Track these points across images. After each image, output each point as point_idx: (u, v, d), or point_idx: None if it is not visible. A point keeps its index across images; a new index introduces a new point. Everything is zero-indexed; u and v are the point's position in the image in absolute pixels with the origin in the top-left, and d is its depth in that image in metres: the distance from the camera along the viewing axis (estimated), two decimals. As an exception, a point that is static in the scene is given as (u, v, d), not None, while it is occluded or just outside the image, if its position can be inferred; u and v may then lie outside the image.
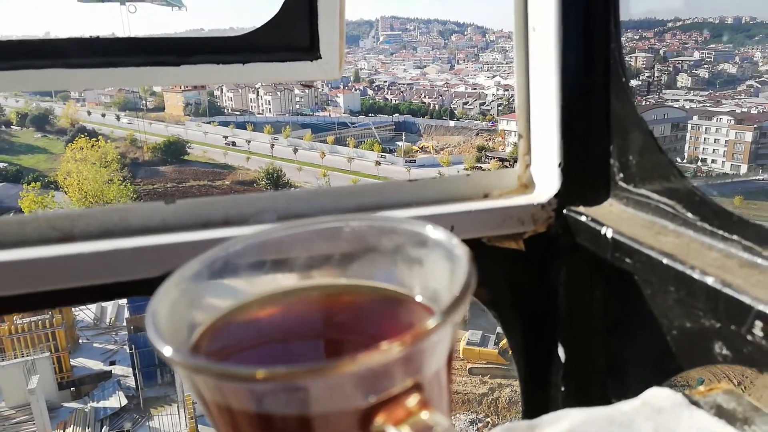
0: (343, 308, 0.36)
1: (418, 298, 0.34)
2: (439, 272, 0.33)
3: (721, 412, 0.47)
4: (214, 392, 0.25)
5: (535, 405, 0.69)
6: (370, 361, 0.23)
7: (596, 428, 0.45)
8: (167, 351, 0.25)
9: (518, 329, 0.67)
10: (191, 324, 0.32)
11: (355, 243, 0.36)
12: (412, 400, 0.25)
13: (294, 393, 0.23)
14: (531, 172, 0.66)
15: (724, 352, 0.51)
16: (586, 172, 0.62)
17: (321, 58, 0.78)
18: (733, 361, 0.50)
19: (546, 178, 0.64)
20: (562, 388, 0.66)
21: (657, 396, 0.48)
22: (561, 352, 0.66)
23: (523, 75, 0.65)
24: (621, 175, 0.60)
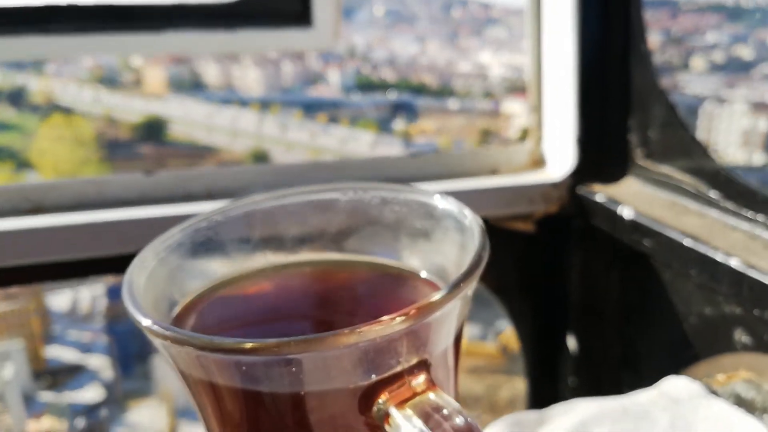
0: (341, 285, 0.35)
1: (423, 274, 0.33)
2: (448, 246, 0.32)
3: (740, 402, 0.46)
4: (198, 368, 0.24)
5: (542, 398, 0.68)
6: (371, 334, 0.22)
7: (610, 420, 0.44)
8: (146, 322, 0.24)
9: (526, 317, 0.66)
10: (171, 298, 0.30)
11: (353, 214, 0.35)
12: (418, 380, 0.24)
13: (286, 368, 0.22)
14: (543, 148, 0.64)
15: (744, 339, 0.50)
16: (602, 148, 0.61)
17: (314, 25, 0.76)
18: (754, 349, 0.50)
19: (559, 155, 0.63)
20: (572, 381, 0.66)
21: (674, 385, 0.47)
22: (572, 341, 0.65)
23: (535, 42, 0.64)
24: (640, 151, 0.59)
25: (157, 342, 0.24)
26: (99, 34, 0.69)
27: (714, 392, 0.46)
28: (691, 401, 0.45)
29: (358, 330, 0.21)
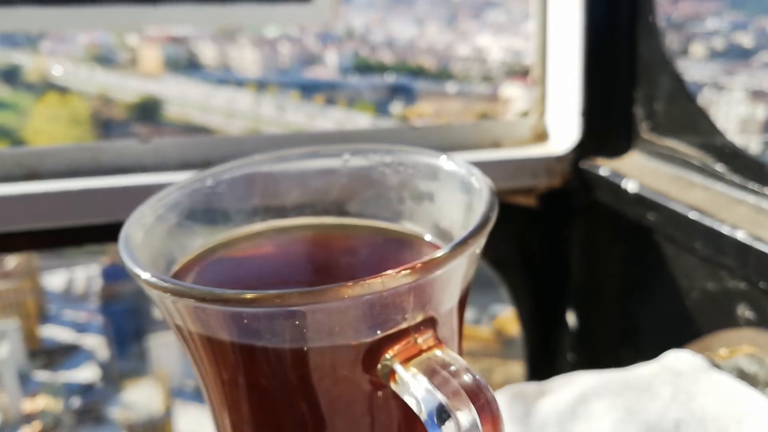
0: (343, 249, 0.34)
1: (428, 238, 0.32)
2: (453, 208, 0.31)
3: (742, 376, 0.46)
4: (196, 322, 0.23)
5: (541, 374, 0.68)
6: (376, 286, 0.21)
7: (611, 392, 0.44)
8: (145, 275, 0.23)
9: (526, 293, 0.65)
10: (169, 256, 0.30)
11: (355, 177, 0.35)
12: (425, 337, 0.23)
13: (288, 321, 0.22)
14: (546, 121, 0.64)
15: (747, 314, 0.50)
16: (607, 121, 0.60)
17: (313, 0, 0.74)
18: (757, 324, 0.49)
19: (563, 128, 0.62)
20: (571, 357, 0.66)
21: (676, 359, 0.47)
22: (572, 318, 0.64)
23: (540, 12, 0.63)
24: (645, 124, 0.58)
25: (154, 294, 0.23)
26: (93, 6, 0.68)
27: (716, 366, 0.45)
28: (693, 374, 0.45)
29: (363, 282, 0.21)
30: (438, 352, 0.23)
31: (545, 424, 0.42)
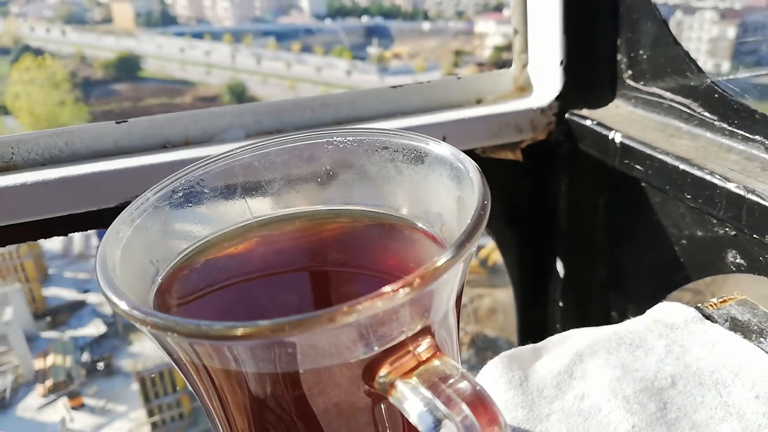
0: (332, 238, 0.32)
1: (420, 225, 0.30)
2: (443, 194, 0.29)
3: (735, 325, 0.45)
4: (189, 352, 0.21)
5: (530, 323, 0.67)
6: (372, 310, 0.19)
7: (605, 350, 0.43)
8: (123, 305, 0.21)
9: (514, 245, 0.64)
10: (153, 266, 0.27)
11: (339, 162, 0.32)
12: (423, 347, 0.22)
13: (282, 349, 0.20)
14: (528, 73, 0.61)
15: (738, 260, 0.49)
16: (590, 70, 0.57)
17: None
18: (746, 270, 0.48)
19: (546, 79, 0.59)
20: (560, 305, 0.65)
21: (668, 311, 0.46)
22: (560, 267, 0.64)
23: (518, -40, 0.59)
24: (629, 72, 0.55)
25: (140, 327, 0.21)
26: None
27: (708, 316, 0.45)
28: (686, 327, 0.44)
29: (358, 306, 0.19)
30: (437, 362, 0.21)
31: (543, 387, 0.41)
